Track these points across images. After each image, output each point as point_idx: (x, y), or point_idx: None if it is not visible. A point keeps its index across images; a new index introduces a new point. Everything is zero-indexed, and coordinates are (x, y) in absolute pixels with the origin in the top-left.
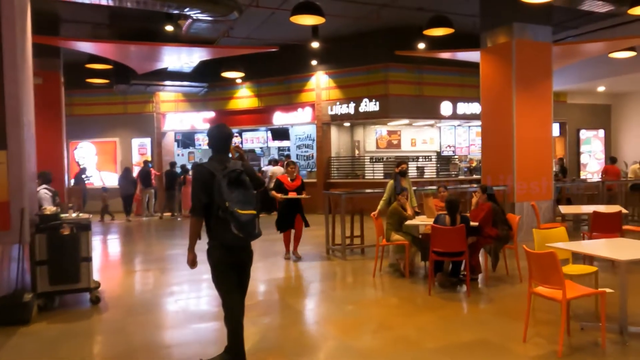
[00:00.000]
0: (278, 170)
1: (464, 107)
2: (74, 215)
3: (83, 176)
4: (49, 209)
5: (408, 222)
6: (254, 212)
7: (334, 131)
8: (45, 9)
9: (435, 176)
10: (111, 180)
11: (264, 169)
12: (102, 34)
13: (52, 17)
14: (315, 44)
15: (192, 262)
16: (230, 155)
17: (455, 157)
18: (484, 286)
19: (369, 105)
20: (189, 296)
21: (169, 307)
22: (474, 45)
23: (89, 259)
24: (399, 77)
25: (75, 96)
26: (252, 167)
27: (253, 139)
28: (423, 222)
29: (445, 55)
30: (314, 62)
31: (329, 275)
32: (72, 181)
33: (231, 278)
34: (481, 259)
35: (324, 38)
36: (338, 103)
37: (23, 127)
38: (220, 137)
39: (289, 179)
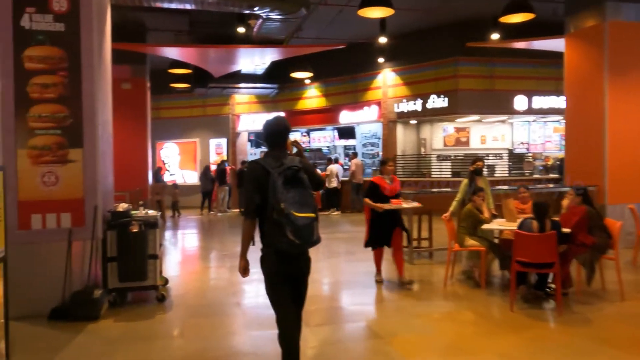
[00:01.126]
0: (335, 168)
1: (540, 101)
2: (143, 212)
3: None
4: (121, 206)
5: (485, 226)
6: (312, 215)
7: (399, 129)
8: (132, 19)
9: (507, 175)
10: (191, 177)
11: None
12: (183, 40)
13: (138, 26)
14: (382, 39)
15: (244, 270)
16: (287, 151)
17: (529, 154)
18: (576, 303)
19: (437, 102)
20: (251, 299)
21: (231, 310)
22: (553, 32)
23: (155, 257)
24: (469, 71)
25: (161, 100)
26: (311, 164)
27: (320, 138)
28: (502, 226)
29: (520, 45)
30: (380, 60)
31: (395, 281)
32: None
33: (286, 290)
34: (572, 270)
35: (391, 34)
36: (405, 100)
37: (98, 126)
38: (275, 131)
39: (386, 181)
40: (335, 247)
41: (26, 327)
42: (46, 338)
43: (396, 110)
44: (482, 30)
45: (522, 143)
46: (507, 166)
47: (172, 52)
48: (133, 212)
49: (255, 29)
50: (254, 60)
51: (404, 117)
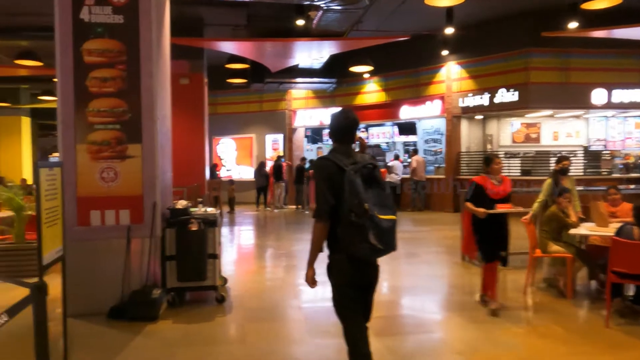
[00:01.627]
0: (396, 165)
1: (620, 95)
2: (202, 210)
3: (223, 170)
4: (180, 203)
5: (572, 231)
6: (394, 217)
7: (464, 125)
8: (190, 13)
9: (582, 174)
10: (247, 173)
11: (389, 164)
12: (240, 35)
13: (196, 21)
14: (449, 30)
15: (312, 281)
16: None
17: (606, 152)
18: None
19: (506, 96)
20: (313, 303)
21: (293, 314)
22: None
23: (215, 256)
24: (542, 63)
25: (218, 96)
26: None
27: (379, 134)
28: (593, 231)
29: (601, 34)
30: (444, 53)
31: (467, 287)
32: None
33: (358, 302)
34: None
35: (457, 25)
36: (470, 94)
37: (157, 121)
38: (345, 125)
39: (492, 181)
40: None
41: (85, 325)
42: (104, 337)
43: (461, 104)
44: (557, 18)
45: (599, 140)
46: (582, 165)
47: (229, 47)
48: (192, 209)
49: (314, 21)
50: (311, 54)
51: (469, 112)
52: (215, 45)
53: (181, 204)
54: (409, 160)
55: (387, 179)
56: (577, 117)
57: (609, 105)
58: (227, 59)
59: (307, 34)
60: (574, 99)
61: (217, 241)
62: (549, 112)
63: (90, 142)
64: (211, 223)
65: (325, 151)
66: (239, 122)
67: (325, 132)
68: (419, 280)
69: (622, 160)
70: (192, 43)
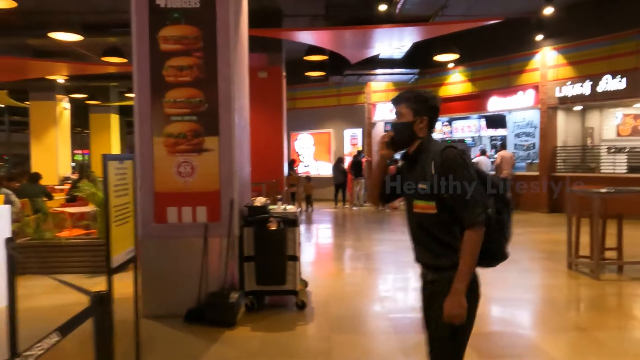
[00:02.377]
0: (482, 161)
1: None
2: (282, 208)
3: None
4: (259, 200)
5: None
6: None
7: (560, 117)
8: (268, 5)
9: None
10: (325, 169)
11: (475, 160)
12: (318, 25)
13: (275, 12)
14: (548, 10)
15: (462, 308)
16: None
17: None
18: None
19: (612, 83)
20: (402, 313)
21: (380, 326)
22: None
23: (295, 258)
24: None
25: (296, 91)
26: None
27: (463, 128)
28: None
29: None
30: (539, 37)
31: (579, 301)
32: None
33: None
34: None
35: (555, 5)
36: (569, 82)
37: (235, 112)
38: (438, 109)
39: None
40: None
41: (161, 329)
42: (180, 343)
43: (558, 94)
44: None
45: None
46: None
47: (307, 37)
48: (271, 206)
49: (398, 6)
50: (392, 42)
51: (567, 102)
52: (293, 36)
53: (259, 201)
54: (495, 156)
55: None
56: None
57: None
58: (305, 51)
59: (390, 20)
60: None
61: (297, 242)
62: None
63: (166, 134)
64: (291, 222)
65: None
66: (316, 117)
67: None
68: (523, 291)
69: None
70: (270, 34)
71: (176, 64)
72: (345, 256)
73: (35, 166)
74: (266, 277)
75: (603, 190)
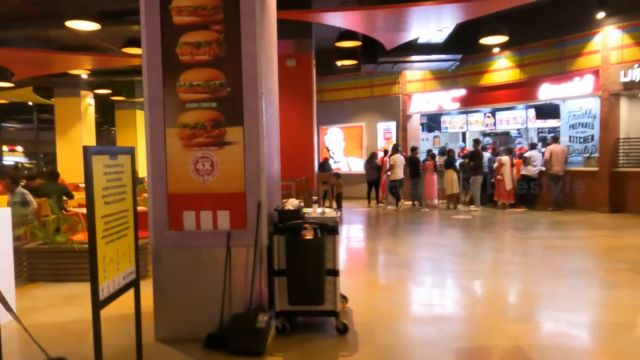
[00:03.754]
0: (534, 155)
1: None
2: (319, 211)
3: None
4: (291, 202)
5: None
6: None
7: (623, 105)
8: None
9: None
10: (357, 165)
11: (526, 155)
12: (351, 6)
13: None
14: None
15: None
16: None
17: None
18: None
19: None
20: (469, 341)
21: (437, 354)
22: None
23: (335, 273)
24: None
25: (325, 82)
26: None
27: (509, 119)
28: None
29: None
30: (600, 15)
31: None
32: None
33: None
34: None
35: None
36: (637, 65)
37: (262, 97)
38: None
39: None
40: (559, 263)
41: (176, 355)
42: None
43: (623, 79)
44: None
45: None
46: None
47: (338, 20)
48: (305, 209)
49: None
50: (431, 23)
51: (634, 87)
52: (323, 18)
53: (292, 204)
54: (543, 150)
55: (523, 172)
56: None
57: None
58: (336, 38)
59: None
60: None
61: (337, 253)
62: None
63: (181, 125)
64: (330, 230)
65: (442, 140)
66: (348, 110)
67: (444, 118)
68: (619, 314)
69: None
70: (299, 16)
71: (192, 40)
72: (385, 264)
73: (61, 164)
74: (301, 295)
75: None
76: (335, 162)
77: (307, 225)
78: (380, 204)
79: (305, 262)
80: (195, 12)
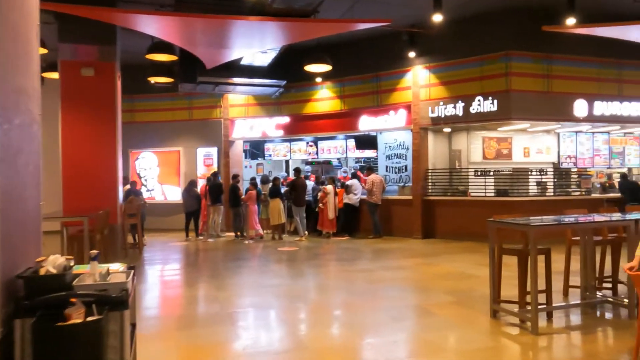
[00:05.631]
0: (355, 184)
1: (602, 107)
2: (101, 273)
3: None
4: (52, 261)
5: None
6: None
7: (430, 138)
8: None
9: (552, 194)
10: (174, 194)
11: (347, 183)
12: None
13: None
14: (437, 18)
15: None
16: None
17: (574, 169)
18: None
19: (484, 105)
20: None
21: None
22: None
23: None
24: (524, 69)
25: (137, 101)
26: None
27: (330, 149)
28: None
29: (613, 32)
30: (411, 54)
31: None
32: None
33: None
34: None
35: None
36: (442, 103)
37: None
38: None
39: None
40: (388, 300)
41: None
42: None
43: (430, 115)
44: (548, 15)
45: (570, 157)
46: (552, 183)
47: (149, 26)
48: (77, 268)
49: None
50: (253, 42)
51: (440, 123)
52: (131, 21)
53: (54, 263)
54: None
55: (345, 200)
56: (547, 132)
57: (590, 118)
58: (147, 50)
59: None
60: (555, 109)
61: (127, 338)
62: (526, 124)
63: None
64: (115, 303)
65: (265, 167)
66: (163, 133)
67: (267, 145)
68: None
69: (597, 179)
70: (99, 15)
71: None
72: (204, 320)
73: None
74: None
75: (535, 221)
76: (148, 190)
77: (74, 299)
78: (200, 237)
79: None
80: None
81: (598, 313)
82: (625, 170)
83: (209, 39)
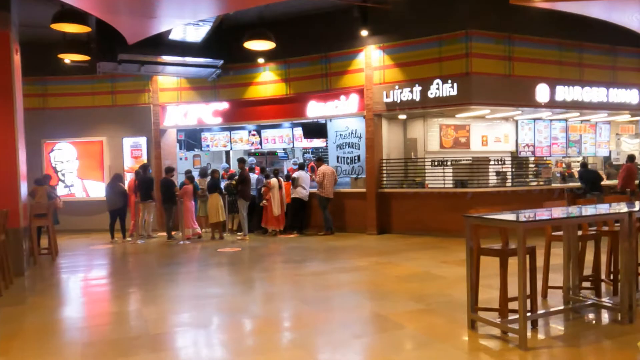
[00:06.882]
0: (302, 176)
1: (563, 93)
2: None
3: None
4: None
5: None
6: None
7: (384, 126)
8: None
9: (510, 184)
10: (97, 190)
11: (294, 175)
12: None
13: None
14: None
15: None
16: None
17: (531, 158)
18: None
19: (443, 89)
20: None
21: None
22: None
23: None
24: (485, 49)
25: (49, 83)
26: None
27: (275, 138)
28: None
29: (593, 10)
30: (363, 33)
31: None
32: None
33: None
34: None
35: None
36: (397, 87)
37: None
38: None
39: None
40: (346, 311)
41: None
42: None
43: (385, 100)
44: None
45: (528, 145)
46: (510, 173)
47: None
48: None
49: None
50: (184, 10)
51: (396, 108)
52: None
53: None
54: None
55: (293, 195)
56: (506, 119)
57: (552, 104)
58: (53, 18)
59: None
60: (517, 94)
61: None
62: (486, 110)
63: None
64: None
65: (203, 159)
66: (82, 121)
67: (205, 135)
68: None
69: (557, 169)
70: None
71: None
72: (124, 347)
73: None
74: None
75: (522, 216)
76: (66, 186)
77: None
78: (129, 239)
79: None
80: None
81: (586, 318)
82: (581, 159)
83: (130, 5)
